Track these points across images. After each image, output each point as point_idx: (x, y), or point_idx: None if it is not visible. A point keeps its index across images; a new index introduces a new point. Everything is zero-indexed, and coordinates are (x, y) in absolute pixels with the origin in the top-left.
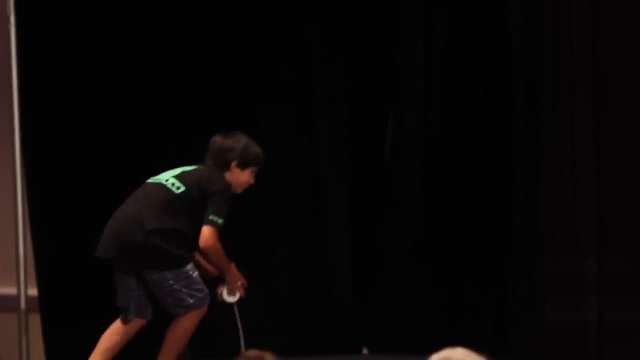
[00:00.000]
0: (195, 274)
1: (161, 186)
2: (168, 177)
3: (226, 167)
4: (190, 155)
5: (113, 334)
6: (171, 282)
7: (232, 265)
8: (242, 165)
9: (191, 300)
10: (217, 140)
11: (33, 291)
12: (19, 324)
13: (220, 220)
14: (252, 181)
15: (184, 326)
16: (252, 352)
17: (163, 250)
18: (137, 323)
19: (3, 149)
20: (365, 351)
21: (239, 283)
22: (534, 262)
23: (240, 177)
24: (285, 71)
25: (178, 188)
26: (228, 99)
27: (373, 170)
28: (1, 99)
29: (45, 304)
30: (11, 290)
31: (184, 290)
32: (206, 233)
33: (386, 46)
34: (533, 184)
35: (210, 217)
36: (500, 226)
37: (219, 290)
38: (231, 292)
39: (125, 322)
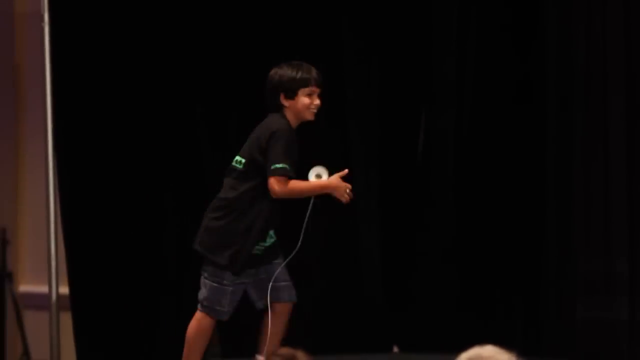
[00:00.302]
0: None
1: (230, 169)
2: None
3: (280, 106)
4: (223, 152)
5: (203, 331)
6: None
7: (319, 183)
8: (291, 94)
9: None
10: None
11: (64, 289)
12: (50, 322)
13: (280, 165)
14: (315, 102)
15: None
16: (284, 350)
17: None
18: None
19: (36, 147)
20: (396, 349)
21: (345, 189)
22: (566, 260)
23: (298, 106)
24: (318, 70)
25: (240, 163)
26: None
27: (405, 169)
28: (34, 97)
29: (77, 302)
30: (43, 289)
31: None
32: (271, 186)
33: (419, 45)
34: (565, 183)
35: (271, 167)
36: (532, 225)
37: None
38: (340, 197)
39: (219, 318)
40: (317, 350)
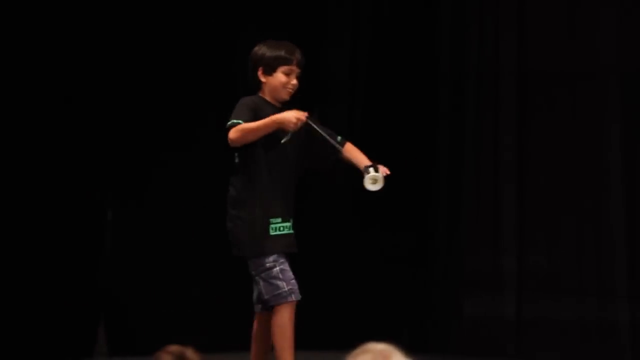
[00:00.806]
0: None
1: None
2: None
3: (258, 82)
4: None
5: (289, 322)
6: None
7: (270, 117)
8: (269, 70)
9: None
10: None
11: None
12: None
13: (233, 120)
14: (292, 82)
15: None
16: (174, 348)
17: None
18: None
19: None
20: None
21: (292, 118)
22: (455, 257)
23: (274, 82)
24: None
25: (236, 158)
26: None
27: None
28: None
29: None
30: None
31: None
32: (228, 140)
33: (313, 40)
34: (455, 181)
35: (226, 127)
36: (421, 221)
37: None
38: (288, 126)
39: (290, 300)
40: (205, 350)
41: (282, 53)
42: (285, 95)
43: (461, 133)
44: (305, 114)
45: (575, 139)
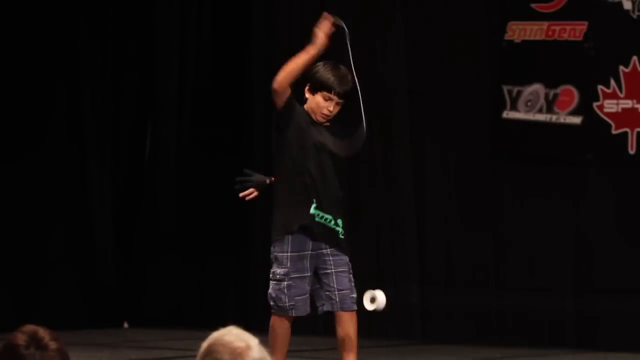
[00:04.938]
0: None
1: None
2: None
3: (304, 96)
4: None
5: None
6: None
7: (305, 51)
8: (312, 89)
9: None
10: None
11: None
12: None
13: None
14: (329, 108)
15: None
16: (28, 327)
17: None
18: None
19: None
20: (126, 325)
21: (323, 39)
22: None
23: (313, 102)
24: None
25: None
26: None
27: (134, 172)
28: None
29: None
30: None
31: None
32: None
33: (144, 61)
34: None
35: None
36: (241, 218)
37: None
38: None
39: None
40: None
41: (328, 80)
42: (319, 117)
43: None
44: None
45: None
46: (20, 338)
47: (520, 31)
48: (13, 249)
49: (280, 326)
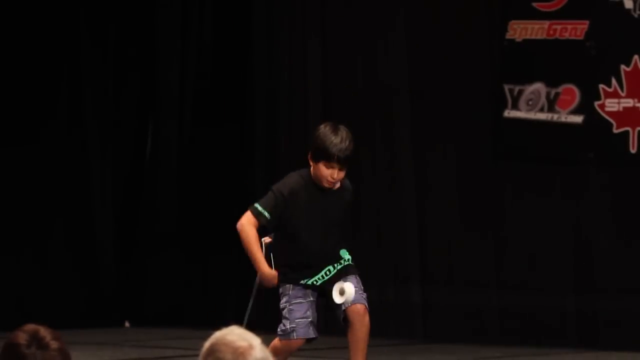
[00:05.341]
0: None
1: None
2: None
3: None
4: None
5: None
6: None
7: (257, 259)
8: (314, 159)
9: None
10: None
11: None
12: None
13: (256, 205)
14: (333, 175)
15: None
16: (29, 327)
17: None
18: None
19: None
20: (127, 324)
21: (267, 282)
22: None
23: (317, 170)
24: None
25: None
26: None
27: (136, 171)
28: None
29: None
30: None
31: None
32: (243, 215)
33: (146, 61)
34: (270, 183)
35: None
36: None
37: None
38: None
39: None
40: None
41: (326, 148)
42: (325, 184)
43: (274, 139)
44: (275, 283)
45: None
46: (22, 337)
47: (521, 30)
48: (14, 248)
49: (280, 351)
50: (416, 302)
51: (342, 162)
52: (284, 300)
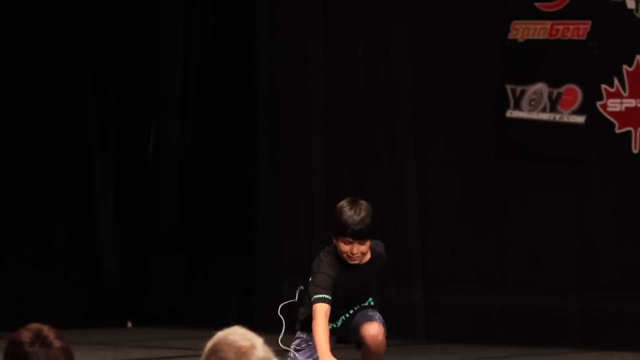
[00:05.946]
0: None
1: None
2: None
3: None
4: None
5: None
6: None
7: (323, 352)
8: (335, 235)
9: None
10: None
11: None
12: None
13: (315, 296)
14: (352, 251)
15: None
16: (33, 325)
17: None
18: None
19: None
20: (130, 324)
21: None
22: (273, 248)
23: (339, 248)
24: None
25: None
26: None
27: (138, 170)
28: None
29: None
30: None
31: None
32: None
33: (149, 62)
34: (271, 183)
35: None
36: (244, 218)
37: None
38: None
39: None
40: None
41: (340, 223)
42: (347, 260)
43: (276, 140)
44: None
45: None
46: (25, 335)
47: (523, 30)
48: (16, 248)
49: None
50: (418, 302)
51: (356, 236)
52: (295, 344)
